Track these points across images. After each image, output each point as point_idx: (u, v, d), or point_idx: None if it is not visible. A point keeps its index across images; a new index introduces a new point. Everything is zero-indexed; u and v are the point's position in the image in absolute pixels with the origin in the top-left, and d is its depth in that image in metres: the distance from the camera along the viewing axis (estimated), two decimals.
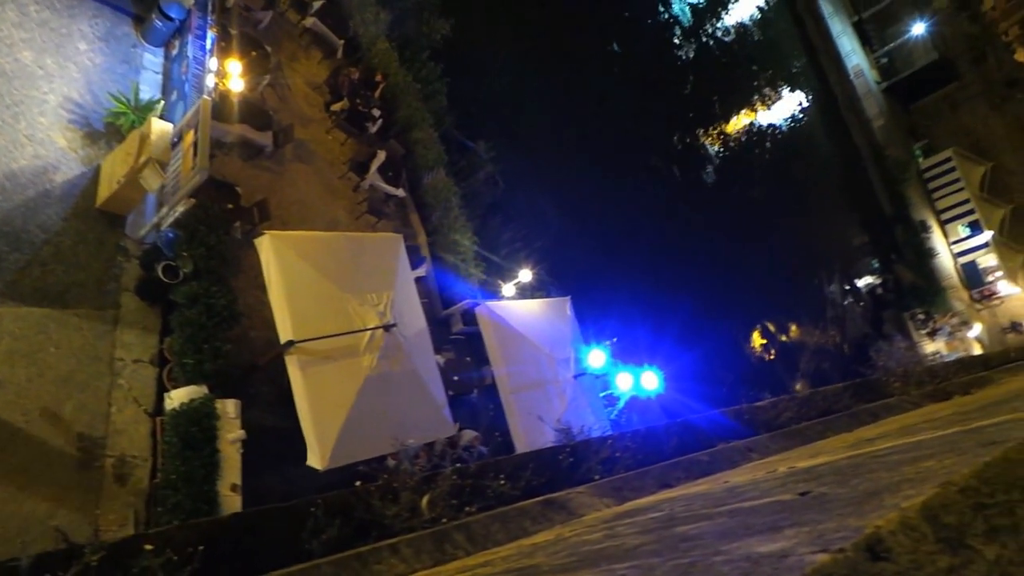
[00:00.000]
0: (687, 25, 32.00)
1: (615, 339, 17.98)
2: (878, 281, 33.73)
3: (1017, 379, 7.15)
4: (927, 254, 33.59)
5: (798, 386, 24.18)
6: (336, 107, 15.36)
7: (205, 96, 11.06)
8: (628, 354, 17.56)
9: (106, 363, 9.79)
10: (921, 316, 32.11)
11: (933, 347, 30.95)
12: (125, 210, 10.94)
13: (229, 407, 9.62)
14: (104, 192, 10.70)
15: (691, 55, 31.19)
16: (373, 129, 15.85)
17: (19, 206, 9.78)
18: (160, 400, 9.82)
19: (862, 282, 33.30)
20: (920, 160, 36.53)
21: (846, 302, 31.18)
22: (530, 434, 12.05)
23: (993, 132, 36.17)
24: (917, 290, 32.68)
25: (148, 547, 3.06)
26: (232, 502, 9.05)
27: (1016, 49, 35.93)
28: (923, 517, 1.16)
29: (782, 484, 1.97)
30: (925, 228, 34.08)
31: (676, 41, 31.12)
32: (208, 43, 12.37)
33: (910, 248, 33.70)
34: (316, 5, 15.96)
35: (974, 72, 36.45)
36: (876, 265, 34.13)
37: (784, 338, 27.97)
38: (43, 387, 9.06)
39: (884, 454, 2.06)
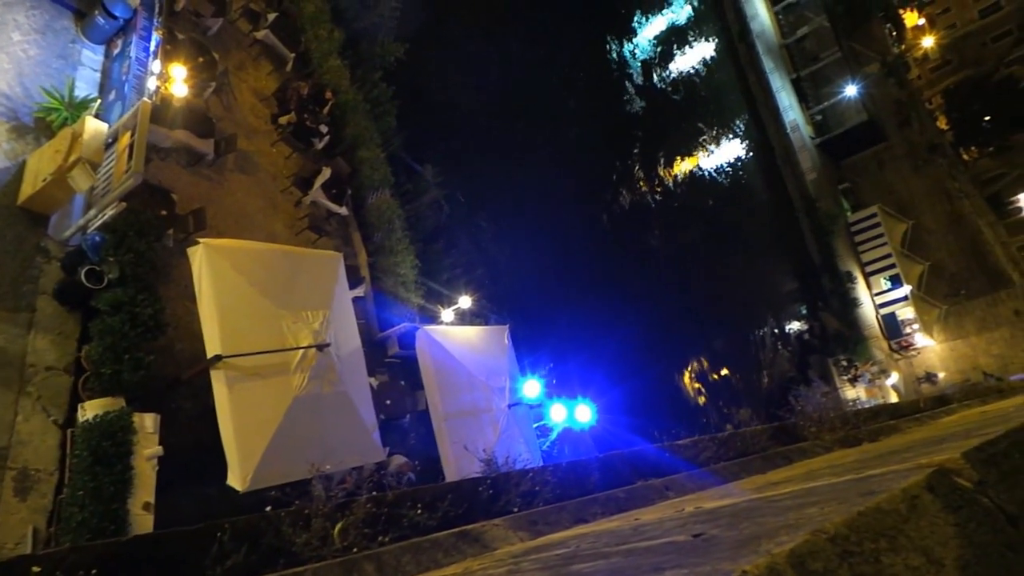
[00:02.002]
0: (636, 67, 32.99)
1: (551, 365, 18.08)
2: (805, 327, 35.07)
3: (921, 429, 7.54)
4: (851, 304, 35.20)
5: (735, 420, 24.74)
6: (283, 120, 15.18)
7: (145, 98, 10.79)
8: (562, 386, 17.70)
9: (16, 369, 9.28)
10: (844, 363, 33.48)
11: (854, 393, 32.25)
12: (49, 210, 10.49)
13: (147, 421, 9.24)
14: (28, 189, 10.25)
15: (638, 97, 32.12)
16: (319, 145, 15.71)
17: None
18: (73, 411, 9.35)
19: (790, 326, 34.54)
20: (848, 214, 38.43)
21: (776, 346, 32.25)
22: (460, 462, 11.95)
23: (915, 192, 38.42)
24: (841, 337, 34.12)
25: (35, 569, 2.90)
26: (144, 521, 8.65)
27: (938, 116, 38.41)
28: (789, 563, 1.22)
29: (682, 525, 2.03)
30: (850, 279, 35.75)
31: (625, 83, 32.02)
32: (153, 45, 12.09)
33: (836, 297, 35.25)
34: (270, 17, 15.84)
35: (900, 135, 38.75)
36: (804, 311, 35.49)
37: (715, 375, 28.66)
38: None
39: (780, 499, 2.16)
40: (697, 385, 27.25)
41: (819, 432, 8.05)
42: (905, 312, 35.63)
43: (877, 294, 36.56)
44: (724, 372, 28.65)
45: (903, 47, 43.51)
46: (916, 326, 35.40)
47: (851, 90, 37.73)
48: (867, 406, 20.80)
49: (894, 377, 33.99)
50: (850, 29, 40.10)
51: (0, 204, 10.09)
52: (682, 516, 2.31)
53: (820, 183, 37.91)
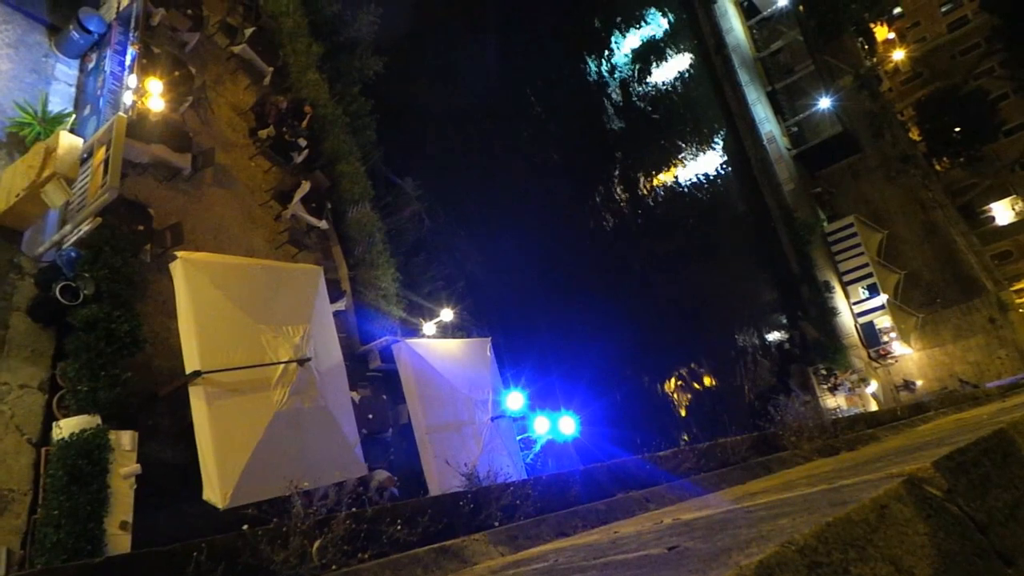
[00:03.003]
0: (614, 81, 33.30)
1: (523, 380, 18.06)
2: (785, 336, 35.40)
3: (898, 437, 7.63)
4: (830, 313, 35.60)
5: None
6: (262, 134, 15.13)
7: (121, 113, 10.71)
8: (546, 398, 17.70)
9: None
10: (824, 371, 33.79)
11: (834, 402, 32.54)
12: (22, 225, 10.36)
13: (124, 439, 9.10)
14: (1, 205, 10.11)
15: (616, 110, 32.42)
16: (299, 159, 15.66)
17: None
18: (48, 430, 9.18)
19: (771, 336, 34.85)
20: (825, 224, 38.95)
21: (757, 356, 32.52)
22: (444, 476, 11.88)
23: (889, 202, 39.06)
24: (820, 346, 34.46)
25: None
26: (121, 541, 8.50)
27: (910, 128, 39.15)
28: None
29: (659, 537, 2.05)
30: (828, 288, 36.17)
31: (602, 96, 32.31)
32: (128, 59, 12.01)
33: (815, 306, 35.63)
34: (247, 32, 15.80)
35: (873, 146, 39.43)
36: (784, 321, 35.84)
37: (697, 386, 28.82)
38: None
39: (756, 509, 2.18)
40: (679, 396, 27.38)
41: (799, 442, 8.12)
42: (883, 321, 36.11)
43: (855, 303, 37.03)
44: (706, 383, 28.81)
45: (875, 60, 44.39)
46: (894, 334, 35.88)
47: (825, 102, 38.35)
48: (847, 415, 21.02)
49: (873, 385, 34.38)
50: (823, 43, 40.82)
51: None
52: (660, 528, 2.32)
53: (797, 194, 38.43)
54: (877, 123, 38.88)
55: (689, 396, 27.77)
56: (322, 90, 16.46)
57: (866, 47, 43.96)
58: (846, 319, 36.59)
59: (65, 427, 8.80)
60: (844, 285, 37.34)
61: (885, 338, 36.14)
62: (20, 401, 9.33)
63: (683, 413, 26.92)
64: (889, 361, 36.44)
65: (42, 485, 8.66)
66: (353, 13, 18.14)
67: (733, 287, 33.86)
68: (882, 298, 35.94)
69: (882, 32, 48.44)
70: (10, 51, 11.63)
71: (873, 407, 32.16)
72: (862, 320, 36.68)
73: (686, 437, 24.11)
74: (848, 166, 40.05)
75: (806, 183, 39.84)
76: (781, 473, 5.61)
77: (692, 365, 28.45)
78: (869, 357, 36.38)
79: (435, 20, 23.59)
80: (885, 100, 41.63)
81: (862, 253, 36.87)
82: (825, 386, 33.31)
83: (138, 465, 9.05)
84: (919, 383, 35.63)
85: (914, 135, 46.36)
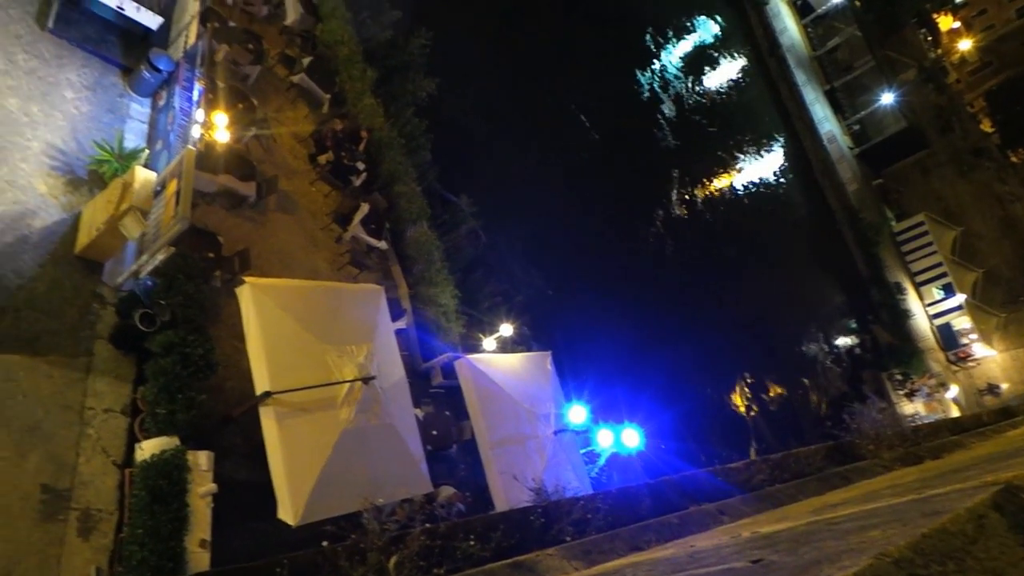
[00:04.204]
0: (667, 89, 33.02)
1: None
2: (856, 341, 34.14)
3: (986, 444, 7.23)
4: (903, 315, 34.16)
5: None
6: (321, 159, 15.57)
7: (190, 146, 11.19)
8: (608, 411, 17.52)
9: (76, 412, 9.60)
10: (899, 377, 32.42)
11: (911, 408, 31.16)
12: (104, 257, 10.91)
13: (201, 459, 9.43)
14: (83, 239, 10.68)
15: (671, 118, 32.10)
16: (357, 182, 16.05)
17: None
18: (130, 451, 9.60)
19: (840, 341, 33.67)
20: (893, 224, 37.52)
21: (826, 363, 31.48)
22: (509, 491, 11.87)
23: (962, 198, 37.37)
24: (894, 351, 33.09)
25: None
26: (200, 559, 8.78)
27: (981, 120, 37.45)
28: None
29: (740, 551, 2.00)
30: (900, 290, 34.73)
31: (657, 105, 32.06)
32: (195, 95, 12.57)
33: (886, 309, 34.26)
34: (304, 61, 16.34)
35: (942, 140, 37.85)
36: (854, 326, 34.59)
37: (765, 396, 28.05)
38: (8, 436, 8.84)
39: (840, 521, 2.11)
40: (746, 406, 26.70)
41: (877, 450, 7.79)
42: (961, 322, 34.44)
43: (929, 304, 35.44)
44: (773, 392, 28.01)
45: (939, 51, 42.70)
46: (974, 336, 34.16)
47: (888, 98, 37.07)
48: (927, 421, 20.06)
49: (954, 390, 32.75)
50: (883, 37, 39.54)
51: (59, 254, 10.53)
52: (739, 542, 2.26)
53: (862, 194, 37.16)
54: (945, 116, 37.33)
55: (756, 406, 27.03)
56: (377, 114, 16.86)
57: (929, 39, 42.36)
58: (921, 321, 35.03)
59: (146, 448, 9.17)
60: (917, 286, 35.80)
61: (964, 340, 34.44)
62: (105, 424, 9.78)
63: (751, 424, 26.21)
64: (970, 364, 34.68)
65: (127, 505, 9.04)
66: (405, 37, 18.57)
67: (798, 292, 32.91)
68: (959, 298, 34.29)
69: (946, 22, 46.60)
70: (88, 93, 12.34)
71: (955, 413, 30.64)
72: (938, 322, 35.06)
73: (755, 448, 23.46)
74: (916, 162, 38.52)
75: (870, 182, 38.51)
76: (861, 484, 5.39)
77: (758, 374, 27.71)
78: (948, 360, 34.72)
79: (485, 38, 23.90)
80: (953, 92, 39.95)
81: (935, 252, 35.32)
82: (901, 392, 31.93)
83: (214, 484, 9.35)
84: (1004, 386, 33.76)
85: (986, 127, 44.29)
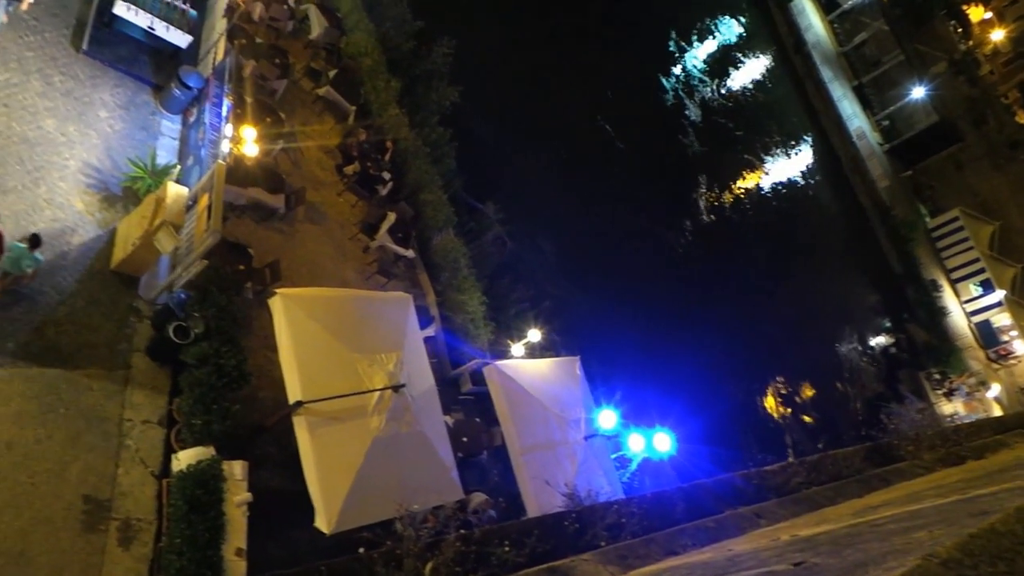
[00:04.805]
0: (691, 90, 32.81)
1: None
2: (891, 340, 33.44)
3: None
4: (939, 313, 33.36)
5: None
6: (348, 170, 15.74)
7: (220, 160, 11.40)
8: (639, 415, 17.38)
9: (115, 424, 9.80)
10: (937, 376, 31.65)
11: (951, 408, 30.40)
12: (139, 271, 11.15)
13: (236, 469, 9.56)
14: (119, 254, 10.93)
15: (697, 121, 31.86)
16: (384, 191, 16.19)
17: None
18: (167, 461, 9.77)
19: (875, 341, 33.03)
20: (927, 220, 36.73)
21: (861, 362, 30.90)
22: (541, 497, 11.84)
23: (998, 192, 36.48)
24: (931, 349, 32.33)
25: None
26: (237, 567, 8.88)
27: (1016, 111, 36.55)
28: None
29: (780, 554, 1.97)
30: (936, 287, 33.94)
31: (682, 107, 31.86)
32: (224, 110, 12.82)
33: (922, 307, 33.50)
34: (330, 74, 16.55)
35: (976, 133, 37.00)
36: (888, 325, 33.91)
37: (798, 398, 27.61)
38: (51, 448, 9.06)
39: (883, 523, 2.06)
40: (780, 408, 26.30)
41: (917, 451, 7.61)
42: (1001, 318, 33.54)
43: (967, 301, 34.59)
44: (807, 394, 27.56)
45: (970, 43, 41.78)
46: (1014, 332, 33.24)
47: (918, 92, 36.35)
48: (967, 421, 19.54)
49: (995, 388, 31.87)
50: (911, 30, 38.83)
51: (96, 270, 10.79)
52: (778, 545, 2.22)
53: (894, 190, 36.45)
54: (979, 109, 36.50)
55: (790, 408, 26.62)
56: (402, 123, 17.00)
57: (960, 30, 41.48)
58: (958, 319, 34.19)
59: (183, 459, 9.32)
60: (953, 283, 34.96)
61: (1005, 337, 33.52)
62: (143, 436, 9.97)
63: (785, 426, 25.81)
64: (1011, 361, 33.73)
65: (165, 515, 9.20)
66: (428, 47, 18.71)
67: (830, 292, 32.36)
68: (998, 294, 33.41)
69: (977, 13, 45.60)
70: (122, 112, 12.64)
71: (997, 412, 29.83)
72: (976, 319, 34.19)
73: (791, 451, 23.09)
74: (949, 157, 37.68)
75: (902, 178, 37.78)
76: (902, 485, 5.27)
77: (791, 376, 27.29)
78: (988, 358, 33.82)
79: (507, 43, 23.98)
80: (986, 84, 39.05)
81: (971, 248, 34.46)
82: (939, 391, 31.16)
83: (249, 494, 9.46)
84: None
85: (1021, 118, 43.23)
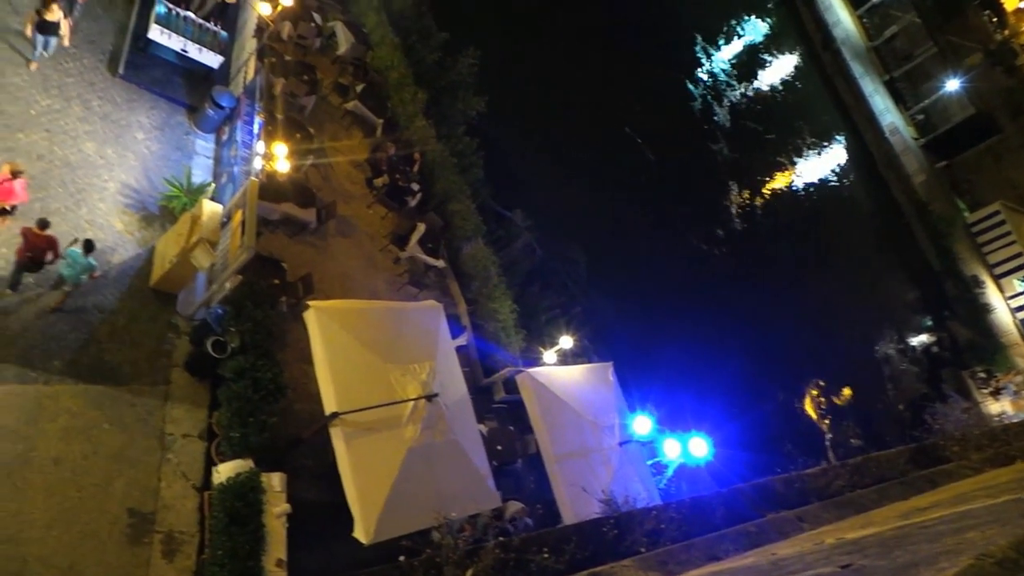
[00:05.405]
0: (719, 92, 32.53)
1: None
2: (932, 339, 32.59)
3: None
4: (982, 310, 32.42)
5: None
6: (377, 182, 15.91)
7: (253, 177, 11.61)
8: (675, 420, 17.18)
9: (156, 438, 10.01)
10: (982, 374, 30.75)
11: (998, 407, 29.49)
12: (177, 288, 11.39)
13: (275, 480, 9.69)
14: (158, 272, 11.19)
15: (726, 126, 31.56)
16: (413, 202, 16.32)
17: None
18: (208, 474, 9.94)
19: (915, 340, 32.23)
20: (966, 215, 35.82)
21: (902, 362, 30.18)
22: (577, 504, 11.77)
23: None
24: (975, 347, 31.42)
25: None
26: None
27: None
28: None
29: (826, 557, 1.93)
30: (978, 283, 33.01)
31: (711, 108, 31.60)
32: (256, 128, 13.08)
33: (963, 304, 32.60)
34: (358, 89, 16.77)
35: (1015, 125, 36.00)
36: (929, 323, 33.07)
37: (838, 399, 27.05)
38: (97, 463, 9.28)
39: (932, 524, 2.01)
40: (819, 411, 25.79)
41: (964, 451, 7.39)
42: None
43: (1011, 297, 33.56)
44: (846, 395, 26.98)
45: (1006, 33, 40.74)
46: None
47: (953, 84, 35.48)
48: (1016, 420, 18.93)
49: None
50: (943, 22, 37.97)
51: (135, 288, 11.06)
52: (823, 548, 2.18)
53: (930, 185, 35.59)
54: (1017, 99, 35.51)
55: (830, 411, 26.09)
56: (430, 134, 17.14)
57: (994, 20, 40.48)
58: (1003, 315, 33.18)
59: (223, 472, 9.48)
60: (996, 278, 33.98)
61: None
62: (184, 449, 10.17)
63: (825, 429, 25.30)
64: None
65: (207, 527, 9.35)
66: (453, 57, 18.85)
67: (867, 292, 31.70)
68: None
69: (1012, 2, 44.51)
70: (157, 133, 12.98)
71: None
72: (1022, 315, 33.17)
73: (831, 454, 22.61)
74: (987, 149, 36.67)
75: (939, 173, 36.88)
76: (949, 486, 5.12)
77: (830, 378, 26.75)
78: None
79: (530, 50, 24.05)
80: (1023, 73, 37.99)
81: (1014, 242, 33.46)
82: (985, 390, 30.26)
83: (288, 505, 9.58)
84: None
85: None
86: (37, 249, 9.55)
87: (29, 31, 11.21)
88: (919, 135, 37.55)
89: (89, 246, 9.83)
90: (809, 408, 25.81)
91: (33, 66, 11.65)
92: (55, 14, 11.16)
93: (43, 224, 9.59)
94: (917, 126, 37.78)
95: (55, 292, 10.03)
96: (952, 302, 32.99)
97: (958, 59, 36.32)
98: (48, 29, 11.24)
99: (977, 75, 35.85)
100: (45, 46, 11.49)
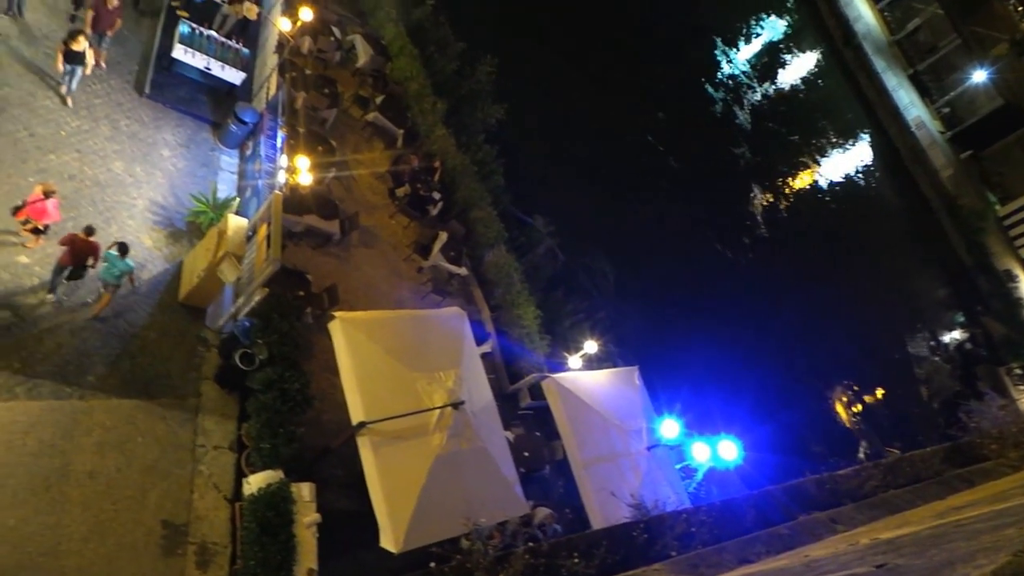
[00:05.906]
0: (739, 92, 32.30)
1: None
2: (966, 335, 31.91)
3: None
4: (1017, 304, 31.71)
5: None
6: (399, 192, 16.02)
7: (276, 191, 11.77)
8: (703, 423, 17.02)
9: (188, 450, 10.15)
10: (1019, 371, 30.02)
11: None
12: (205, 302, 11.57)
13: (304, 491, 9.76)
14: (186, 286, 11.37)
15: (748, 129, 31.30)
16: (434, 211, 16.41)
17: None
18: (239, 485, 10.05)
19: (948, 337, 31.59)
20: (997, 208, 35.08)
21: (934, 360, 29.59)
22: (605, 509, 11.69)
23: None
24: (1011, 343, 30.70)
25: None
26: None
27: None
28: None
29: (861, 557, 1.90)
30: (1011, 277, 32.29)
31: (732, 109, 31.38)
32: (279, 142, 13.27)
33: (997, 299, 31.90)
34: (378, 100, 16.92)
35: None
36: (961, 319, 32.39)
37: (869, 399, 26.59)
38: (130, 476, 9.44)
39: (969, 523, 1.97)
40: (850, 412, 25.38)
41: (1002, 450, 7.20)
42: None
43: None
44: (879, 394, 26.52)
45: None
46: None
47: (979, 76, 34.83)
48: None
49: None
50: (967, 13, 37.33)
51: (165, 303, 11.25)
52: (858, 549, 2.14)
53: (958, 179, 34.93)
54: None
55: (861, 411, 25.65)
56: (450, 143, 17.23)
57: (1020, 8, 39.71)
58: None
59: (253, 483, 9.58)
60: None
61: None
62: (215, 461, 10.30)
63: (856, 430, 24.87)
64: None
65: (239, 537, 9.45)
66: (471, 67, 18.95)
67: (896, 288, 31.15)
68: None
69: None
70: (183, 150, 13.22)
71: None
72: None
73: (863, 455, 22.22)
74: (1017, 140, 35.93)
75: (967, 166, 36.17)
76: (987, 485, 5.01)
77: (862, 378, 26.32)
78: None
79: (551, 60, 24.09)
80: None
81: None
82: (1022, 387, 29.55)
83: (318, 515, 9.65)
84: None
85: None
86: (82, 255, 9.89)
87: (60, 63, 11.50)
88: (945, 128, 36.91)
89: (124, 248, 10.14)
90: (840, 408, 25.41)
91: (70, 101, 11.95)
92: (81, 44, 11.45)
93: (89, 231, 9.96)
94: (943, 119, 37.14)
95: (94, 304, 10.31)
96: (985, 297, 32.29)
97: (984, 50, 35.66)
98: (75, 59, 11.54)
99: (1004, 66, 35.14)
100: (71, 76, 11.77)
